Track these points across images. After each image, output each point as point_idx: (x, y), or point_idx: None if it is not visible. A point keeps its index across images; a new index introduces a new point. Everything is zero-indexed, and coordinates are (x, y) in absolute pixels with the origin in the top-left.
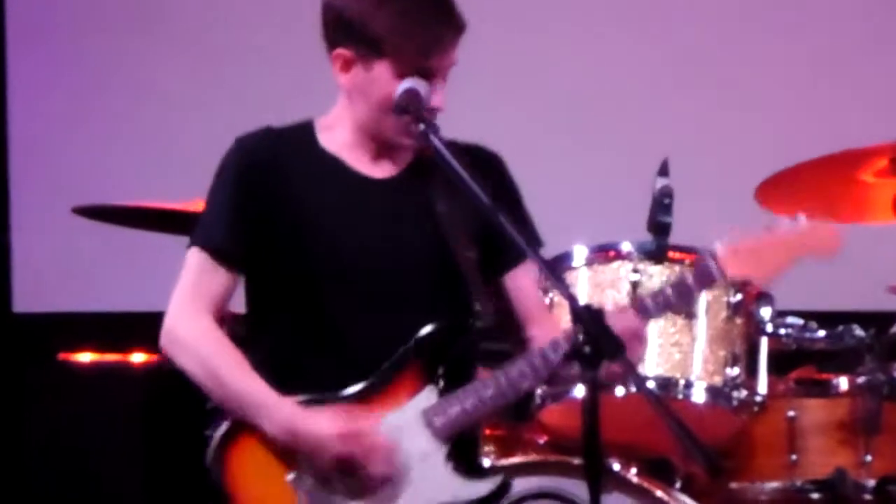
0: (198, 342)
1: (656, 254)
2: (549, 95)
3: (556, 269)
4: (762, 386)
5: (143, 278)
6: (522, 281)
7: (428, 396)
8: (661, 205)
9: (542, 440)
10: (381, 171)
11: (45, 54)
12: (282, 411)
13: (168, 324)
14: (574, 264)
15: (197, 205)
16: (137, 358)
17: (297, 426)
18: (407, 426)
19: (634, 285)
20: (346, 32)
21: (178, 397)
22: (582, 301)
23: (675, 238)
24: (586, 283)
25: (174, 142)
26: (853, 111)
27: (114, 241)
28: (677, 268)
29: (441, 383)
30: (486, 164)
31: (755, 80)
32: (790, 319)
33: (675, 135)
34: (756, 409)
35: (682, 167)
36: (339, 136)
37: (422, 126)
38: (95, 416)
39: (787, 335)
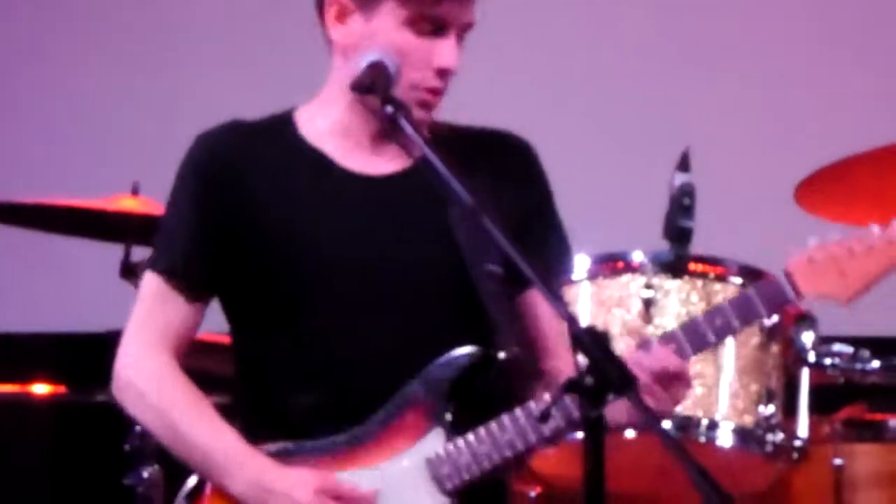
0: (150, 388)
1: (674, 265)
2: (548, 77)
3: (558, 293)
4: (803, 428)
5: (49, 293)
6: (540, 306)
7: (434, 442)
8: (681, 206)
9: (533, 493)
10: (381, 166)
11: None
12: (249, 467)
13: (117, 367)
14: (574, 277)
15: (118, 202)
16: (40, 389)
17: (267, 484)
18: (407, 478)
19: (647, 303)
20: None
21: (90, 437)
22: (583, 322)
23: (697, 246)
24: (588, 301)
25: (89, 128)
26: None
27: (13, 247)
28: (717, 287)
29: (451, 425)
30: (510, 155)
31: (794, 58)
32: (837, 347)
33: (697, 122)
34: (795, 455)
35: (705, 161)
36: (325, 123)
37: (389, 108)
38: None
39: (833, 366)
